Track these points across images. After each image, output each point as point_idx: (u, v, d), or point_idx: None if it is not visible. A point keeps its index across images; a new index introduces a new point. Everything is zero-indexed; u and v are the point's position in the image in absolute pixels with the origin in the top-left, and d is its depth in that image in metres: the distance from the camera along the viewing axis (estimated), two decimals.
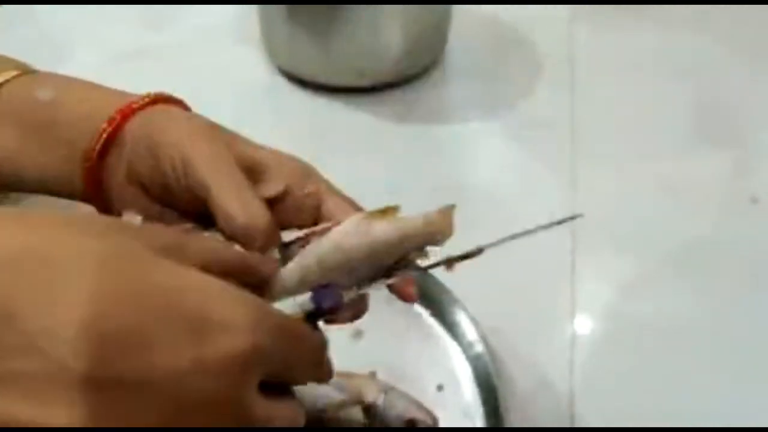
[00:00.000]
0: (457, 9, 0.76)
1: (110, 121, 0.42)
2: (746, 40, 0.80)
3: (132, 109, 0.42)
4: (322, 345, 0.35)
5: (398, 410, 0.46)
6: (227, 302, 0.29)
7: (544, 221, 0.62)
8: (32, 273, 0.27)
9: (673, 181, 0.66)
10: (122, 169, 0.42)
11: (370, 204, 0.63)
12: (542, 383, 0.51)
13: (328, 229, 0.36)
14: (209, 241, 0.36)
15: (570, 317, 0.55)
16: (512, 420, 0.47)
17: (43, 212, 0.31)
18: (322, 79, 0.73)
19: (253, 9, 0.76)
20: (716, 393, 0.51)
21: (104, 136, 0.41)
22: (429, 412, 0.46)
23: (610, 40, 0.81)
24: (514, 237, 0.39)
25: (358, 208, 0.40)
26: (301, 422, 0.33)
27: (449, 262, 0.40)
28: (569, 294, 0.57)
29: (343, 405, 0.45)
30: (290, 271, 0.35)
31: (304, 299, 0.34)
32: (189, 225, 0.39)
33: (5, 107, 0.44)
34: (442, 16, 0.75)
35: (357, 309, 0.39)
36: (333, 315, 0.36)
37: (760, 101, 0.73)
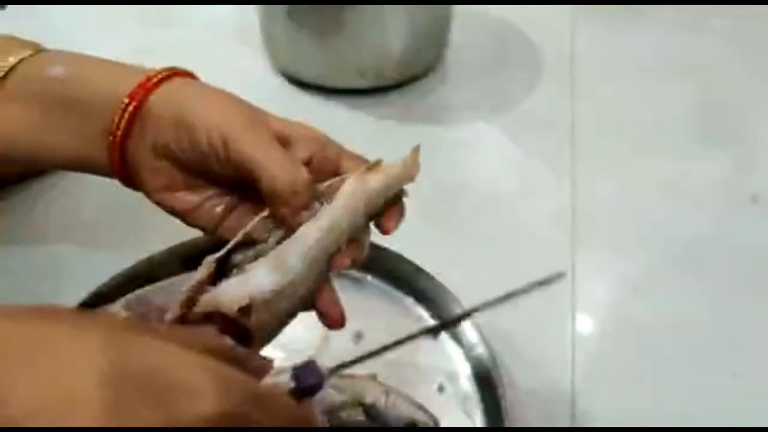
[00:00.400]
0: (458, 9, 0.76)
1: (132, 95, 0.42)
2: (746, 39, 0.80)
3: (153, 83, 0.43)
4: (306, 418, 0.35)
5: (399, 411, 0.46)
6: (195, 371, 0.29)
7: (544, 221, 0.62)
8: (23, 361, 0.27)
9: (674, 181, 0.66)
10: (148, 143, 0.42)
11: None
12: (543, 384, 0.51)
13: (336, 184, 0.41)
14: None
15: (570, 317, 0.55)
16: (513, 420, 0.47)
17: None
18: (323, 80, 0.73)
19: (253, 10, 0.76)
20: (717, 393, 0.51)
21: (129, 109, 0.42)
22: (430, 413, 0.46)
23: (611, 41, 0.81)
24: (508, 297, 0.44)
25: (367, 161, 0.43)
26: None
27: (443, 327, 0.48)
28: (569, 294, 0.57)
29: (343, 406, 0.45)
30: (308, 229, 0.39)
31: (285, 378, 0.35)
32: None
33: (21, 86, 0.44)
34: (443, 16, 0.75)
35: (356, 253, 0.41)
36: (315, 393, 0.36)
37: (760, 100, 0.73)
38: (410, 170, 0.43)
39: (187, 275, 0.53)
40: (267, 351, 0.50)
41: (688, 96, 0.74)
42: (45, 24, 0.82)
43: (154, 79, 0.43)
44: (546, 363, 0.53)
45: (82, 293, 0.51)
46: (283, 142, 0.41)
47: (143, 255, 0.54)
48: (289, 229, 0.40)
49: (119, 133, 0.42)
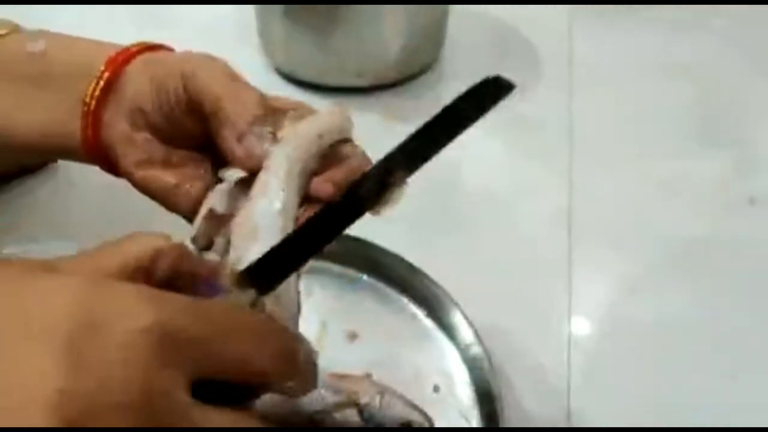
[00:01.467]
0: (455, 9, 0.76)
1: (108, 63, 0.42)
2: (745, 40, 0.80)
3: (131, 53, 0.42)
4: (274, 331, 0.30)
5: (394, 412, 0.45)
6: (121, 292, 0.27)
7: (541, 221, 0.62)
8: None
9: (671, 182, 0.66)
10: (123, 110, 0.42)
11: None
12: (539, 384, 0.51)
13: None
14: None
15: (567, 317, 0.55)
16: (509, 421, 0.46)
17: None
18: (320, 79, 0.73)
19: (250, 9, 0.75)
20: (714, 393, 0.51)
21: (105, 77, 0.42)
22: (425, 414, 0.46)
23: (609, 41, 0.81)
24: None
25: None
26: None
27: None
28: (566, 294, 0.56)
29: (338, 406, 0.45)
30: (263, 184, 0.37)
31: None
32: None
33: None
34: (441, 15, 0.75)
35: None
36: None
37: (758, 102, 0.73)
38: (339, 119, 0.43)
39: None
40: None
41: (687, 96, 0.74)
42: (38, 24, 0.81)
43: (133, 50, 0.43)
44: (542, 363, 0.52)
45: None
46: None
47: None
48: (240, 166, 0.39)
49: (93, 103, 0.42)
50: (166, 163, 0.42)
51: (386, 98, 0.73)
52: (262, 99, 0.40)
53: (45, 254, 0.58)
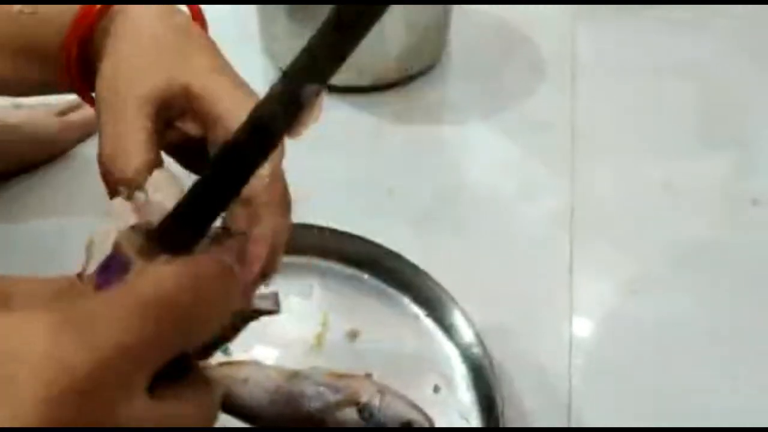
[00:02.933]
0: (458, 8, 0.76)
1: (70, 37, 0.40)
2: (748, 40, 0.80)
3: (89, 21, 0.40)
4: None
5: (394, 411, 0.45)
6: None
7: (543, 221, 0.62)
8: None
9: (674, 183, 0.65)
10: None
11: (368, 203, 0.63)
12: (540, 384, 0.51)
13: None
14: None
15: (568, 318, 0.55)
16: (509, 421, 0.46)
17: None
18: None
19: (252, 7, 0.75)
20: (715, 393, 0.51)
21: (72, 56, 0.40)
22: (425, 414, 0.46)
23: (612, 41, 0.80)
24: None
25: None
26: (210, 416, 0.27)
27: None
28: (567, 294, 0.56)
29: (337, 405, 0.45)
30: None
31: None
32: None
33: None
34: (443, 15, 0.75)
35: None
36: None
37: (761, 102, 0.73)
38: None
39: None
40: (262, 350, 0.50)
41: (689, 97, 0.74)
42: None
43: (89, 18, 0.40)
44: (543, 363, 0.52)
45: None
46: (203, 107, 0.38)
47: None
48: None
49: (71, 79, 0.41)
50: None
51: (387, 98, 0.73)
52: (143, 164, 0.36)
53: (42, 250, 0.58)
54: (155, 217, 0.32)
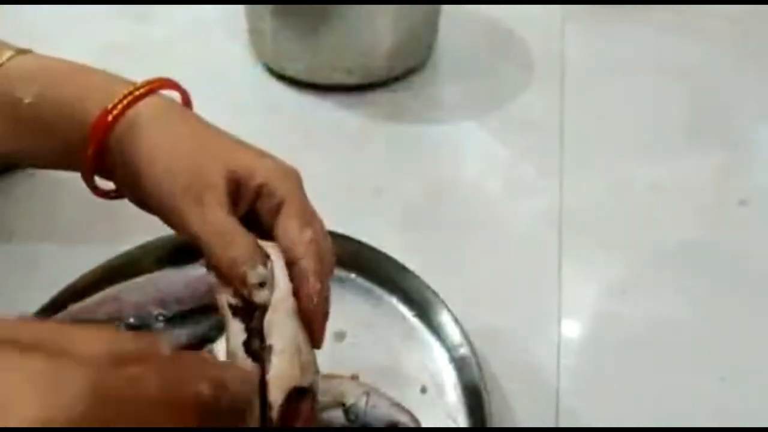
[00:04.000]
0: (447, 8, 0.76)
1: (92, 134, 0.41)
2: (735, 41, 0.80)
3: (113, 117, 0.41)
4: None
5: (380, 412, 0.45)
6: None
7: (531, 221, 0.62)
8: None
9: (662, 183, 0.65)
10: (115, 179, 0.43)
11: (356, 202, 0.63)
12: (528, 384, 0.51)
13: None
14: None
15: (557, 318, 0.55)
16: (497, 422, 0.46)
17: None
18: (310, 76, 0.72)
19: (240, 6, 0.75)
20: (703, 394, 0.51)
21: (90, 154, 0.41)
22: (411, 415, 0.45)
23: (602, 41, 0.80)
24: None
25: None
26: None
27: None
28: (556, 295, 0.56)
29: (324, 407, 0.45)
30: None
31: None
32: None
33: None
34: (432, 14, 0.74)
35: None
36: None
37: (751, 103, 0.73)
38: None
39: (162, 272, 0.52)
40: None
41: (679, 98, 0.74)
42: (29, 20, 0.81)
43: (114, 112, 0.41)
44: (531, 364, 0.52)
45: (54, 289, 0.50)
46: (250, 183, 0.40)
47: (119, 251, 0.53)
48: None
49: (87, 175, 0.43)
50: None
51: (376, 96, 0.73)
52: (254, 251, 0.39)
53: (22, 250, 0.58)
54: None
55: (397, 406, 0.46)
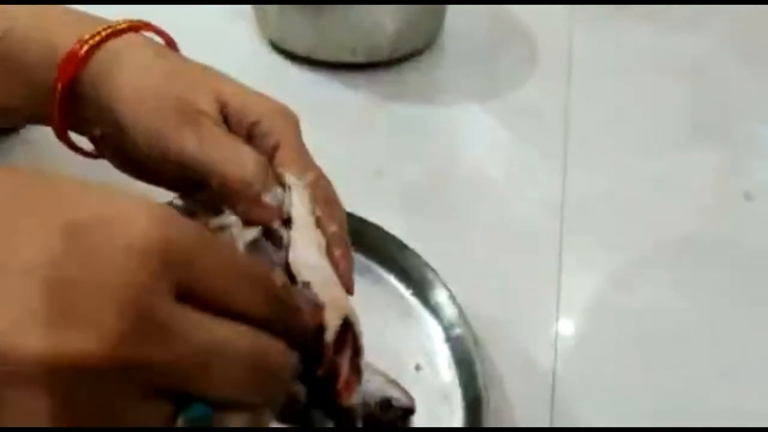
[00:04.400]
0: None
1: (61, 72, 0.37)
2: (742, 39, 0.80)
3: (84, 53, 0.37)
4: (259, 275, 0.28)
5: (373, 387, 0.44)
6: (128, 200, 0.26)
7: (533, 209, 0.61)
8: None
9: (666, 177, 0.65)
10: (88, 126, 0.40)
11: (356, 184, 0.62)
12: (524, 367, 0.50)
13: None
14: None
15: (555, 305, 0.54)
16: (491, 402, 0.45)
17: None
18: (314, 53, 0.71)
19: None
20: (702, 389, 0.50)
21: (58, 95, 0.38)
22: (405, 391, 0.45)
23: (609, 36, 0.80)
24: None
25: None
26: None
27: None
28: (555, 284, 0.55)
29: None
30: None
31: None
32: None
33: None
34: None
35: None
36: None
37: (755, 99, 0.73)
38: None
39: None
40: None
41: (684, 93, 0.73)
42: None
43: (91, 42, 0.37)
44: (528, 348, 0.51)
45: None
46: (245, 119, 0.37)
47: None
48: (254, 223, 0.36)
49: (56, 118, 0.39)
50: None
51: (379, 76, 0.72)
52: (265, 164, 0.37)
53: None
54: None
55: (392, 382, 0.45)
